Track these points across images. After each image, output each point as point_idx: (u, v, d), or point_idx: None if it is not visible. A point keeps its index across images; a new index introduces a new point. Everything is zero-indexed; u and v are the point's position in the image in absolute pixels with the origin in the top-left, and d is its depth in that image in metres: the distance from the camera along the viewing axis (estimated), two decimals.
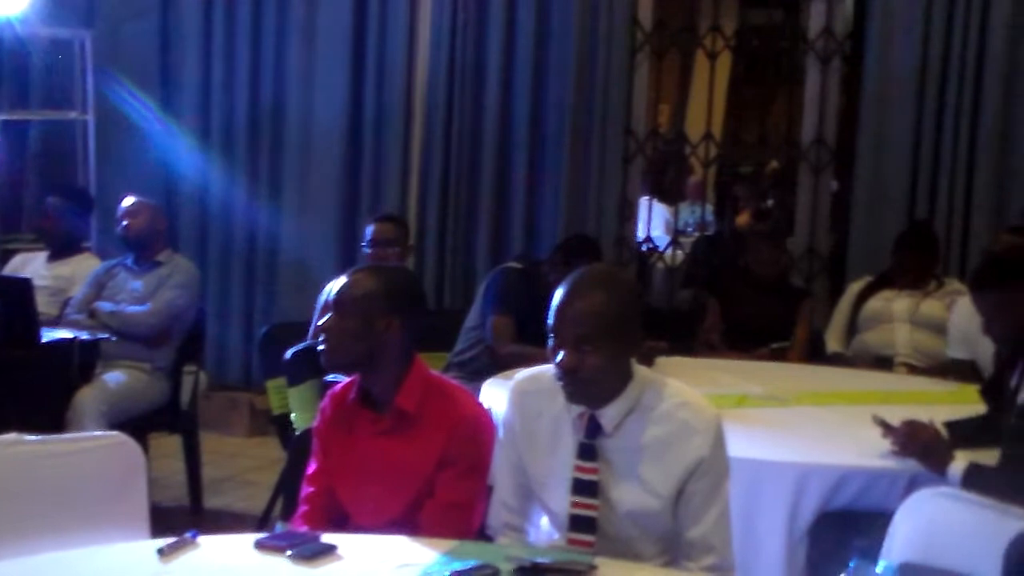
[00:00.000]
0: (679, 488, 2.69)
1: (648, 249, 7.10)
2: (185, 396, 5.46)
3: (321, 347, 3.01)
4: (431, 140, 6.64)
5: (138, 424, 4.97)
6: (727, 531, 2.75)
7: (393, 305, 2.98)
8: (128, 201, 5.51)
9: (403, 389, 2.98)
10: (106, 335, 5.15)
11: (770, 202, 8.76)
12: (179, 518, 5.18)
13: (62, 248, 5.80)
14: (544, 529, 2.86)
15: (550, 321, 2.69)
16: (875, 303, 5.47)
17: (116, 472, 2.99)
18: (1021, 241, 4.97)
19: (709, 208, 8.81)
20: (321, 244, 6.76)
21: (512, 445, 2.87)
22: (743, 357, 5.23)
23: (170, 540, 2.54)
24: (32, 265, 5.79)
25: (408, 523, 2.87)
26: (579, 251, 5.06)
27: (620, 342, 2.68)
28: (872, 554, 2.37)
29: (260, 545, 2.56)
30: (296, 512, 3.08)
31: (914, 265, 5.45)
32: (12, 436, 2.94)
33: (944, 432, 3.58)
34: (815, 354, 5.49)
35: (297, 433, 4.54)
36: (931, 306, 5.35)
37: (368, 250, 5.15)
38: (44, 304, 5.29)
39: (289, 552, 2.50)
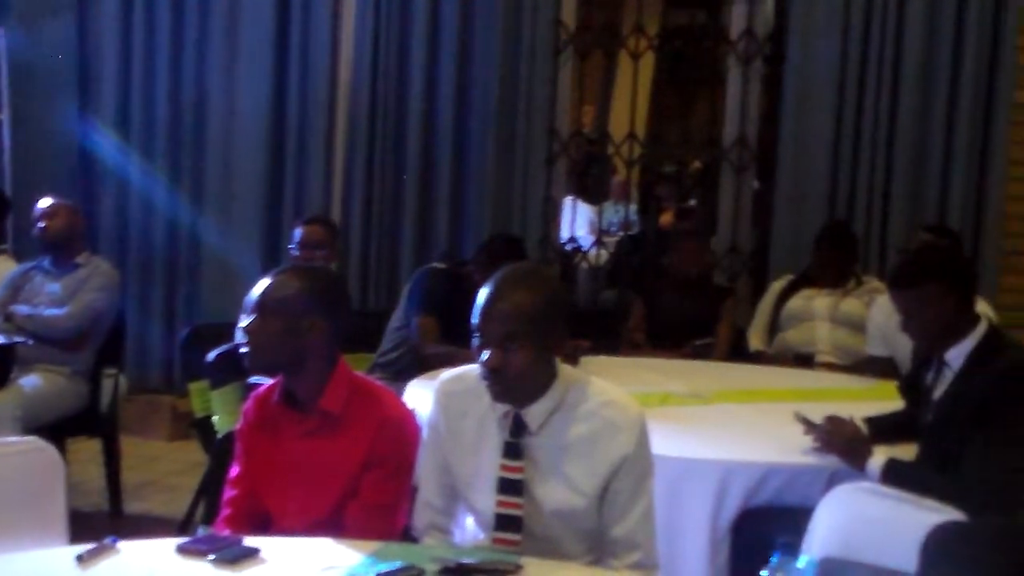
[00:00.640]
0: (604, 486, 2.70)
1: (572, 249, 7.13)
2: (105, 400, 5.38)
3: (244, 349, 2.99)
4: (355, 140, 6.61)
5: (56, 429, 4.90)
6: (651, 528, 2.77)
7: (317, 306, 2.96)
8: (45, 202, 5.42)
9: (327, 390, 2.96)
10: (23, 339, 5.06)
11: (693, 201, 8.84)
12: (99, 524, 5.10)
13: None
14: (470, 529, 2.86)
15: (475, 321, 2.69)
16: (796, 302, 5.53)
17: (33, 478, 2.94)
18: (936, 240, 5.06)
19: (633, 208, 8.86)
20: (244, 244, 6.70)
21: (437, 445, 2.86)
22: (667, 355, 5.27)
23: (90, 546, 2.50)
24: None
25: (332, 525, 2.85)
26: (503, 251, 5.06)
27: (545, 341, 2.68)
28: (794, 549, 2.39)
29: (181, 550, 2.53)
30: (218, 516, 3.05)
31: (833, 264, 5.52)
32: None
33: (864, 428, 3.64)
34: (737, 352, 5.55)
35: (220, 436, 4.50)
36: (851, 304, 5.43)
37: (296, 252, 5.12)
38: None
39: (211, 556, 2.48)
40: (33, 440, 3.03)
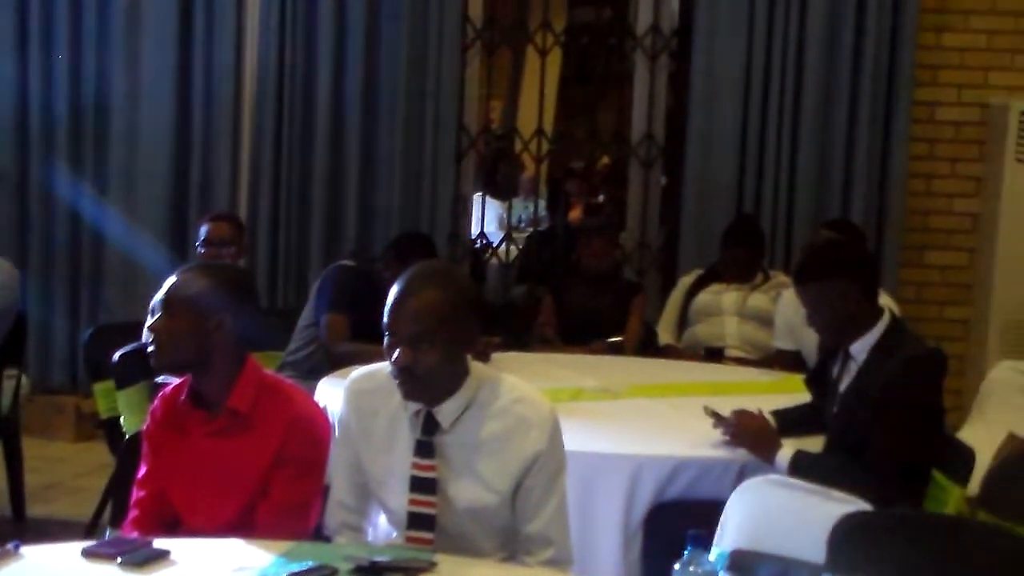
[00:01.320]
0: (517, 483, 2.71)
1: (482, 245, 7.12)
2: (5, 401, 5.26)
3: (150, 348, 2.94)
4: (261, 136, 6.54)
5: None
6: (565, 524, 2.78)
7: (224, 304, 2.93)
8: None
9: (236, 389, 2.93)
10: None
11: (601, 197, 8.87)
12: (1, 528, 5.00)
13: None
14: (383, 528, 2.85)
15: (385, 319, 2.68)
16: (704, 296, 5.58)
17: None
18: (838, 236, 5.14)
19: (542, 204, 8.88)
20: (149, 241, 6.59)
21: (349, 444, 2.85)
22: (578, 351, 5.29)
23: None
24: None
25: (243, 525, 2.83)
26: (413, 248, 5.05)
27: (456, 338, 2.68)
28: (706, 542, 2.42)
29: (88, 553, 2.49)
30: (126, 518, 3.00)
31: (740, 259, 5.58)
32: None
33: (772, 421, 3.69)
34: (647, 347, 5.59)
35: (127, 437, 4.43)
36: (758, 299, 5.49)
37: (202, 250, 5.05)
38: None
39: (119, 559, 2.44)
40: None
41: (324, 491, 2.95)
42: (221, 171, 6.60)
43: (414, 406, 2.74)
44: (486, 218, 7.24)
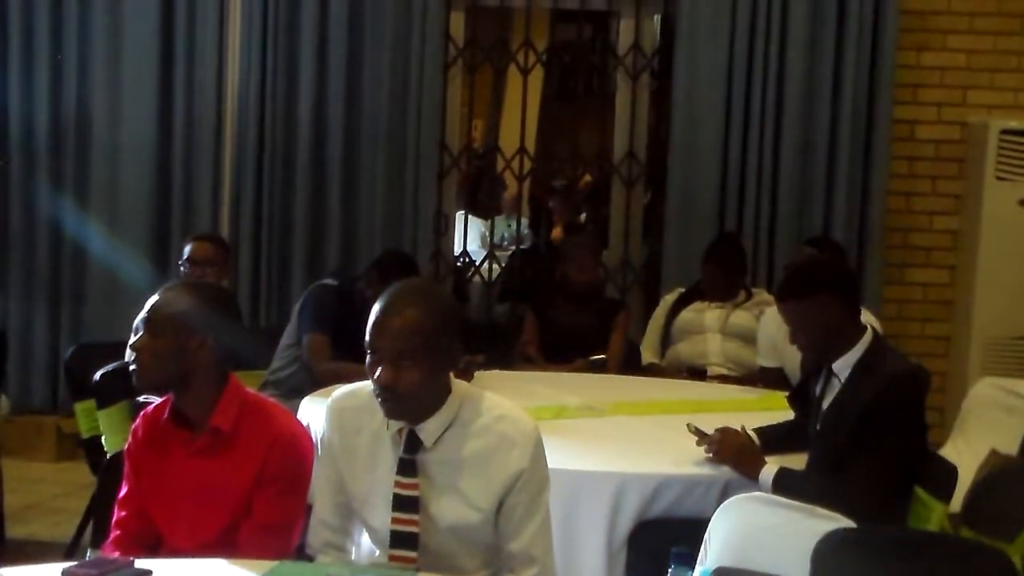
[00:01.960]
0: (500, 501, 2.70)
1: (464, 263, 7.12)
2: None
3: (132, 367, 2.93)
4: (243, 154, 6.53)
5: None
6: (548, 542, 2.77)
7: (206, 323, 2.92)
8: None
9: (218, 408, 2.92)
10: None
11: (584, 215, 8.88)
12: None
13: None
14: (366, 546, 2.84)
15: (368, 337, 2.67)
16: (687, 314, 5.59)
17: None
18: (819, 254, 5.16)
19: (524, 222, 8.88)
20: (131, 261, 6.56)
21: (331, 463, 2.84)
22: (560, 369, 5.29)
23: None
24: None
25: (225, 545, 2.81)
26: (395, 267, 5.03)
27: (438, 357, 2.68)
28: (689, 560, 2.42)
29: (68, 574, 2.47)
30: (107, 538, 2.99)
31: (723, 277, 5.59)
32: None
33: (755, 438, 3.69)
34: (630, 365, 5.58)
35: (108, 456, 4.40)
36: (741, 316, 5.50)
37: (185, 269, 5.04)
38: None
39: None
40: None
41: (307, 510, 2.94)
42: (203, 190, 6.58)
43: (396, 424, 2.73)
44: (468, 236, 7.24)
